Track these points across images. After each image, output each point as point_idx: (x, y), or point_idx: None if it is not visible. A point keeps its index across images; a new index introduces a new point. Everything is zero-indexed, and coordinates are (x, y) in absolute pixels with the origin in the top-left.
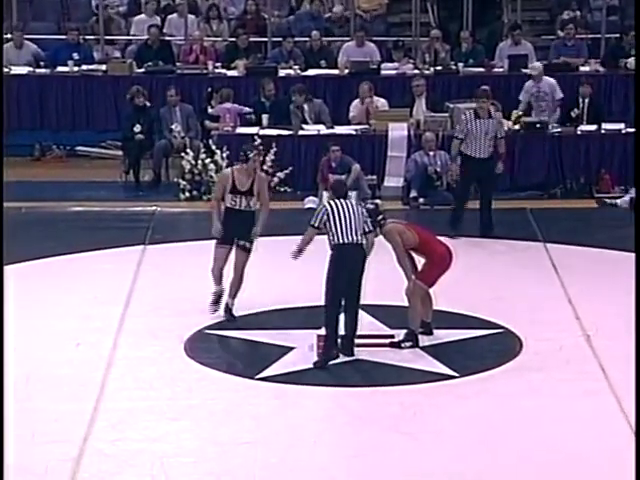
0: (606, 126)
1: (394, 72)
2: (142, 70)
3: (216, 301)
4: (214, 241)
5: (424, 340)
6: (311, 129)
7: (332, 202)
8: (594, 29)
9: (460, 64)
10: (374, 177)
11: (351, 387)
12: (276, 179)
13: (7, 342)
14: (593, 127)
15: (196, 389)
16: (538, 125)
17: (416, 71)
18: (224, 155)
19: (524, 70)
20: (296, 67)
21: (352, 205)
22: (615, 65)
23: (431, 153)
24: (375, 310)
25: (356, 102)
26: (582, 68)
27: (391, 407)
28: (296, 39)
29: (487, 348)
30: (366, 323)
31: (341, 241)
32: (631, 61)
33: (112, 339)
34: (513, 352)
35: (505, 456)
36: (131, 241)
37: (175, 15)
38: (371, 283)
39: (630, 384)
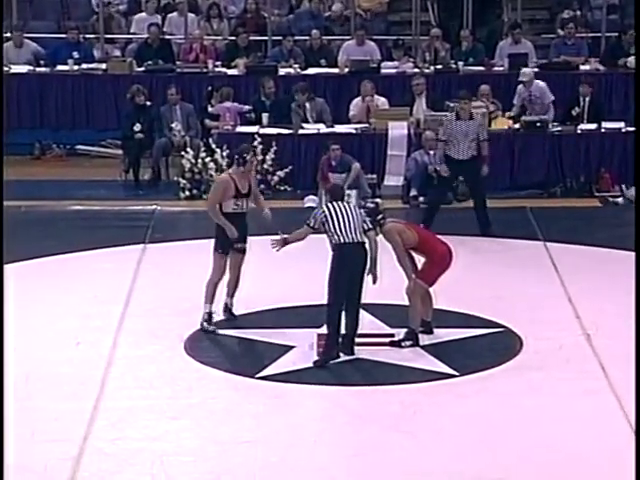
0: (606, 125)
1: (394, 71)
2: (142, 69)
3: (209, 320)
4: (213, 250)
5: (424, 339)
6: (311, 128)
7: (330, 205)
8: (594, 28)
9: (460, 63)
10: (374, 176)
11: (351, 386)
12: (276, 178)
13: (7, 341)
14: (593, 126)
15: (196, 388)
16: (538, 124)
17: (416, 70)
18: (224, 154)
19: (524, 69)
20: (296, 66)
21: (350, 206)
22: (614, 64)
23: (431, 152)
24: (375, 309)
25: (357, 100)
26: (582, 67)
27: (391, 406)
28: (296, 38)
29: (487, 347)
30: (366, 322)
31: (342, 240)
32: (631, 60)
33: (112, 338)
34: (513, 351)
35: (505, 455)
36: (131, 240)
37: (175, 14)
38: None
39: (630, 383)
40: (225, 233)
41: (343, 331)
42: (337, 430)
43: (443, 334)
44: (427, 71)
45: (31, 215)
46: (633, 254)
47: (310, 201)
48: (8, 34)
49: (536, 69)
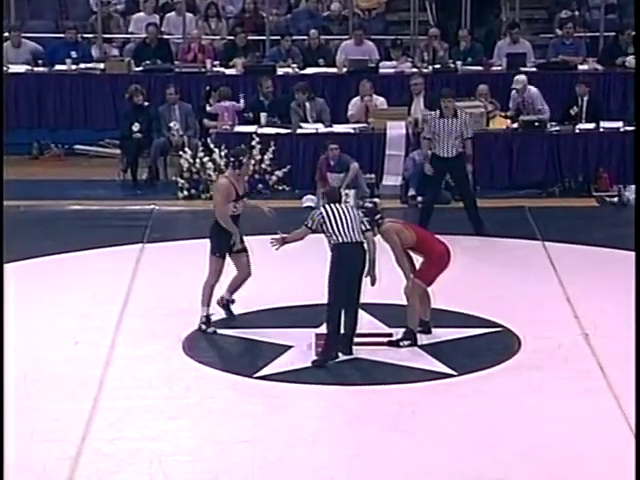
0: (604, 124)
1: (392, 71)
2: (140, 68)
3: (207, 322)
4: (210, 253)
5: (422, 339)
6: (309, 127)
7: (327, 206)
8: (592, 27)
9: (458, 62)
10: (372, 176)
11: (350, 386)
12: (274, 178)
13: (6, 341)
14: (591, 125)
15: (194, 388)
16: (536, 124)
17: (414, 70)
18: (222, 154)
19: (522, 69)
20: (294, 66)
21: (347, 207)
22: (612, 64)
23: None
24: (374, 309)
25: (355, 100)
26: (580, 67)
27: (390, 406)
28: (294, 37)
29: (486, 347)
30: (365, 322)
31: (341, 240)
32: (630, 59)
33: (110, 338)
34: (512, 351)
35: (504, 454)
36: (129, 240)
37: (173, 13)
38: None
39: (628, 382)
40: (222, 236)
41: (342, 331)
42: (335, 430)
43: (441, 334)
44: (425, 71)
45: (29, 215)
46: (631, 254)
47: (308, 201)
48: (6, 34)
49: (533, 69)
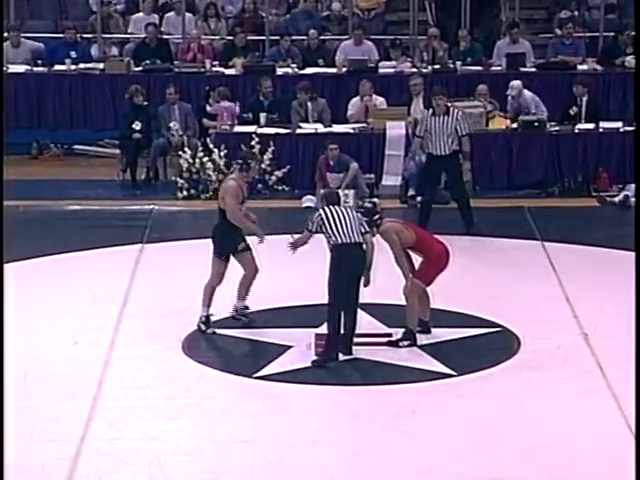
0: (604, 124)
1: (392, 71)
2: (140, 68)
3: (206, 323)
4: (213, 255)
5: (422, 339)
6: (309, 127)
7: (326, 208)
8: (592, 27)
9: (458, 62)
10: (372, 176)
11: (349, 386)
12: (274, 178)
13: (6, 341)
14: (591, 125)
15: (194, 388)
16: (536, 124)
17: (414, 70)
18: (222, 154)
19: (522, 69)
20: (294, 65)
21: (346, 209)
22: (612, 63)
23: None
24: (373, 309)
25: (355, 100)
26: (580, 67)
27: (389, 406)
28: (294, 37)
29: (485, 347)
30: (364, 322)
31: (340, 241)
32: (629, 59)
33: (110, 338)
34: (511, 351)
35: (504, 454)
36: (129, 240)
37: (173, 13)
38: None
39: (628, 382)
40: (225, 238)
41: (342, 331)
42: (335, 430)
43: (441, 334)
44: (425, 71)
45: (29, 215)
46: (631, 254)
47: (308, 201)
48: (5, 34)
49: (533, 69)
